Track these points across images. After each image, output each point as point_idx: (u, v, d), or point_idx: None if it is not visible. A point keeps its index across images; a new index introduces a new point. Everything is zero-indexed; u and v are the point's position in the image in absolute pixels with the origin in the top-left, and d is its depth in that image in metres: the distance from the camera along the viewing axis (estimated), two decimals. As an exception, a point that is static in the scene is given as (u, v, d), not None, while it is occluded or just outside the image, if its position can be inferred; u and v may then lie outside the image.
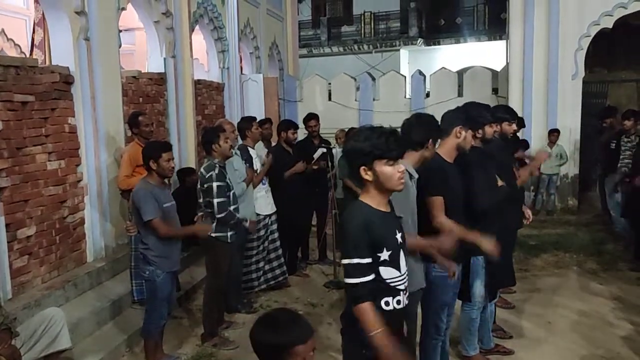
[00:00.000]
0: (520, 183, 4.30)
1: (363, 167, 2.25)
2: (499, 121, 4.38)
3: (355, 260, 2.21)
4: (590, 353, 4.25)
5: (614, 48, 10.95)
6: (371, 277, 2.22)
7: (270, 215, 5.53)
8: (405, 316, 2.45)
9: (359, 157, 2.25)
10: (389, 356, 2.19)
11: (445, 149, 3.32)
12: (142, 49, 7.81)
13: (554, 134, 8.68)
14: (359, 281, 2.21)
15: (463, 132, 3.31)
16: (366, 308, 2.22)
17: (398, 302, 2.33)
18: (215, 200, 4.27)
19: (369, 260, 2.22)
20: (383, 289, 2.29)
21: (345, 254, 2.27)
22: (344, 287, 2.27)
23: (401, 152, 2.29)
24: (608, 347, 4.33)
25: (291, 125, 6.14)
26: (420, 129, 3.16)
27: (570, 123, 8.95)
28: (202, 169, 4.41)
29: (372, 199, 2.29)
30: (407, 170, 2.90)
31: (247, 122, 5.51)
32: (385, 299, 2.30)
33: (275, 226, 5.63)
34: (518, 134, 7.05)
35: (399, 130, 2.67)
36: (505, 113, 4.44)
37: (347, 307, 2.38)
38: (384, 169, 2.24)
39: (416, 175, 3.06)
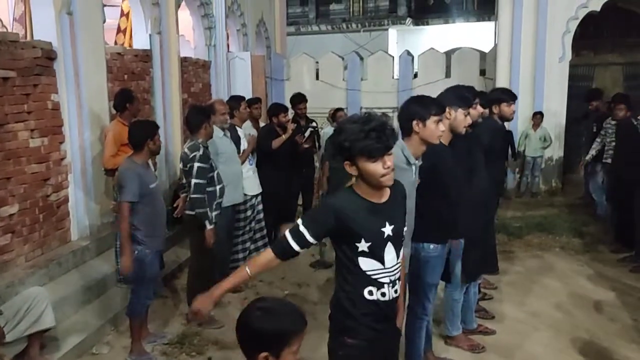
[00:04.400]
0: None
1: (346, 162, 2.19)
2: (497, 102, 4.38)
3: (303, 230, 2.20)
4: (571, 333, 4.34)
5: (601, 31, 10.98)
6: (297, 249, 2.22)
7: (256, 196, 5.52)
8: (395, 309, 2.39)
9: (341, 152, 2.18)
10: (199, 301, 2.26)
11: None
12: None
13: (537, 117, 8.73)
14: (289, 239, 2.22)
15: (453, 112, 3.30)
16: (268, 253, 2.27)
17: (382, 294, 2.26)
18: (193, 181, 4.21)
19: (311, 239, 2.21)
20: (363, 279, 2.25)
21: (305, 217, 2.27)
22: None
23: (384, 148, 2.12)
24: (588, 327, 4.42)
25: (281, 109, 6.09)
26: (402, 114, 3.07)
27: (556, 106, 9.00)
28: (185, 149, 4.32)
29: (361, 189, 2.23)
30: (405, 156, 2.88)
31: (235, 101, 5.45)
32: (369, 288, 2.25)
33: (261, 206, 5.62)
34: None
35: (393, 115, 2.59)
36: (502, 94, 4.43)
37: (335, 293, 2.37)
38: (366, 165, 2.14)
39: (416, 162, 2.94)
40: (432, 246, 3.28)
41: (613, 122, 6.71)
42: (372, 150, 2.11)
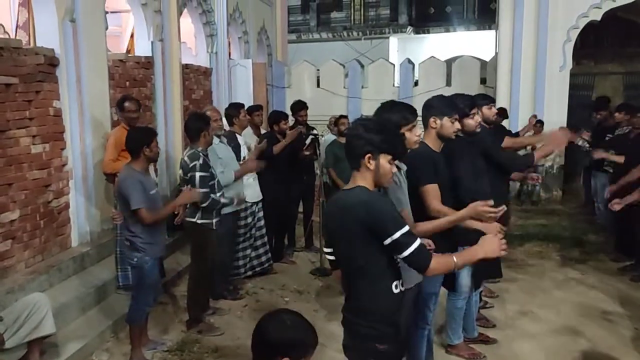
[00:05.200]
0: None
1: (369, 155, 2.28)
2: (478, 107, 4.43)
3: (404, 230, 2.20)
4: (572, 342, 4.33)
5: (601, 41, 11.03)
6: (419, 240, 2.24)
7: (257, 203, 5.52)
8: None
9: (367, 145, 2.28)
10: (479, 252, 2.32)
11: (430, 138, 3.31)
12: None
13: (536, 126, 8.73)
14: (417, 244, 2.21)
15: (438, 121, 3.31)
16: (436, 260, 2.24)
17: (402, 284, 2.38)
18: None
19: (407, 227, 2.23)
20: (393, 272, 2.34)
21: (388, 231, 2.21)
22: (407, 259, 2.23)
23: (405, 153, 2.41)
24: (589, 336, 4.41)
25: (282, 116, 6.12)
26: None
27: (557, 115, 9.00)
28: (185, 158, 4.33)
29: (369, 185, 2.32)
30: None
31: (235, 108, 5.47)
32: (395, 282, 2.34)
33: (261, 213, 5.63)
34: (503, 124, 7.09)
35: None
36: (482, 99, 4.49)
37: (349, 301, 2.39)
38: (386, 165, 2.31)
39: (404, 167, 3.04)
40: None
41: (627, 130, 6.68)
42: (402, 154, 2.41)
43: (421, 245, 2.23)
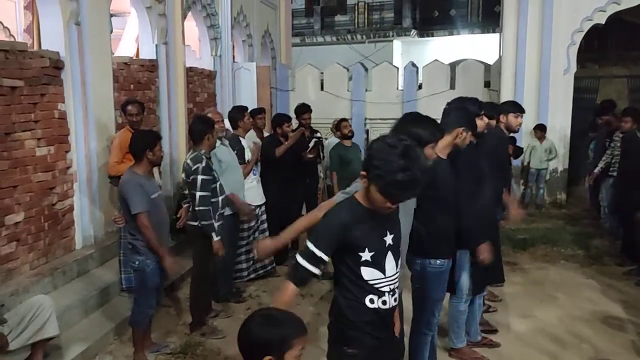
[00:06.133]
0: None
1: (364, 173, 2.15)
2: (505, 112, 4.48)
3: (313, 249, 2.18)
4: (576, 346, 4.31)
5: (606, 44, 11.01)
6: (315, 270, 2.19)
7: (260, 206, 5.53)
8: (393, 316, 2.39)
9: (367, 165, 2.14)
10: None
11: (442, 145, 3.21)
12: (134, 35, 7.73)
13: (536, 131, 8.73)
14: (303, 264, 2.18)
15: (464, 134, 3.31)
16: (288, 287, 2.20)
17: (384, 302, 2.26)
18: (198, 193, 4.21)
19: (324, 256, 2.18)
20: (365, 288, 2.25)
21: (311, 236, 2.24)
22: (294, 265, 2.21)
23: (403, 200, 2.17)
24: (593, 340, 4.39)
25: (285, 119, 6.12)
26: None
27: (561, 118, 9.00)
28: (188, 160, 4.31)
29: (364, 200, 2.21)
30: None
31: (239, 111, 5.48)
32: (370, 296, 2.25)
33: (264, 216, 5.63)
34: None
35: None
36: (512, 106, 4.52)
37: (333, 302, 2.36)
38: (377, 195, 2.12)
39: None
40: (439, 261, 3.28)
41: (621, 135, 6.66)
42: (393, 197, 2.10)
43: (304, 268, 2.17)
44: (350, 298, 2.27)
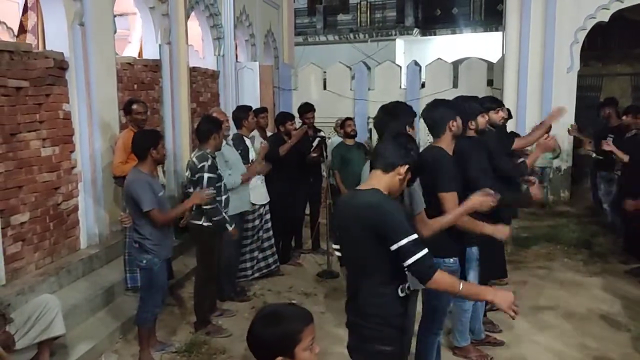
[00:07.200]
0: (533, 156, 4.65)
1: (407, 166, 2.38)
2: (486, 111, 4.45)
3: (411, 237, 2.20)
4: (580, 344, 4.31)
5: (609, 42, 10.98)
6: (427, 250, 2.23)
7: (264, 205, 5.54)
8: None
9: (404, 157, 2.39)
10: (489, 293, 2.36)
11: (446, 142, 3.26)
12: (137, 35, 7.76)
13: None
14: (423, 253, 2.20)
15: (456, 123, 3.32)
16: (441, 274, 2.24)
17: (408, 288, 2.39)
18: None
19: (415, 236, 2.23)
20: (401, 276, 2.33)
21: (395, 238, 2.21)
22: (410, 267, 2.23)
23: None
24: (597, 338, 4.39)
25: (288, 117, 6.13)
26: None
27: (564, 116, 8.96)
28: (193, 159, 4.35)
29: (383, 189, 2.35)
30: None
31: (243, 111, 5.49)
32: (401, 285, 2.35)
33: (269, 215, 5.65)
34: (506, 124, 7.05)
35: None
36: (491, 102, 4.50)
37: (354, 301, 2.39)
38: (400, 181, 2.40)
39: None
40: (451, 260, 3.27)
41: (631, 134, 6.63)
42: (419, 173, 2.52)
43: (427, 255, 2.21)
44: (385, 291, 2.33)
